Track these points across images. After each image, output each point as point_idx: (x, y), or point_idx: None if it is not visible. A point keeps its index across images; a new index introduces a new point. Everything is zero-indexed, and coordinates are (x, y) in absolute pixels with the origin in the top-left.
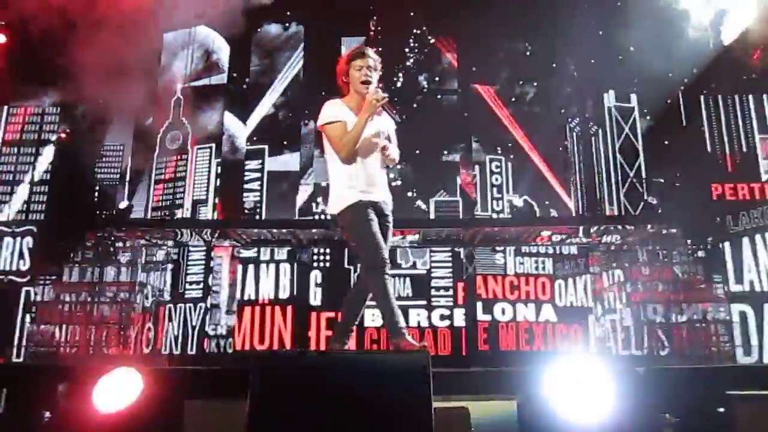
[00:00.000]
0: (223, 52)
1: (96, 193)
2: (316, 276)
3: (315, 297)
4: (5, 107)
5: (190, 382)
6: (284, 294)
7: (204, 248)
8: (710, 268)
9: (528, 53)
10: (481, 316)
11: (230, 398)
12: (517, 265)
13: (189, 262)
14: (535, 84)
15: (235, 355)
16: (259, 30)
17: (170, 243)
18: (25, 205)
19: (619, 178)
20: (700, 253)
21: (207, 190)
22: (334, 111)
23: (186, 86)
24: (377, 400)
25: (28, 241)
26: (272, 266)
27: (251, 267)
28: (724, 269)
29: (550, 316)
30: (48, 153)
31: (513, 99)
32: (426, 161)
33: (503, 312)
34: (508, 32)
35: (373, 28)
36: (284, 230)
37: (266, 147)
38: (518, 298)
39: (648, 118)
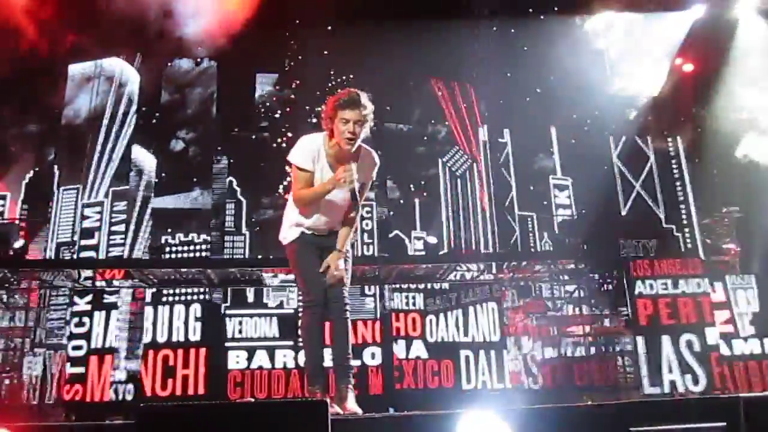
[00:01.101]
0: (133, 84)
1: None
2: (195, 310)
3: (195, 332)
4: None
5: None
6: (194, 336)
7: (67, 292)
8: (617, 301)
9: (439, 93)
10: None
11: None
12: (386, 301)
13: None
14: (447, 123)
15: (134, 402)
16: (170, 64)
17: (69, 284)
18: None
19: (494, 211)
20: (608, 286)
21: (72, 232)
22: (307, 154)
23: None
24: None
25: None
26: (180, 307)
27: (151, 308)
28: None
29: (421, 352)
30: None
31: (425, 138)
32: None
33: (372, 356)
34: (420, 73)
35: (287, 65)
36: (194, 270)
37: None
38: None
39: (556, 157)
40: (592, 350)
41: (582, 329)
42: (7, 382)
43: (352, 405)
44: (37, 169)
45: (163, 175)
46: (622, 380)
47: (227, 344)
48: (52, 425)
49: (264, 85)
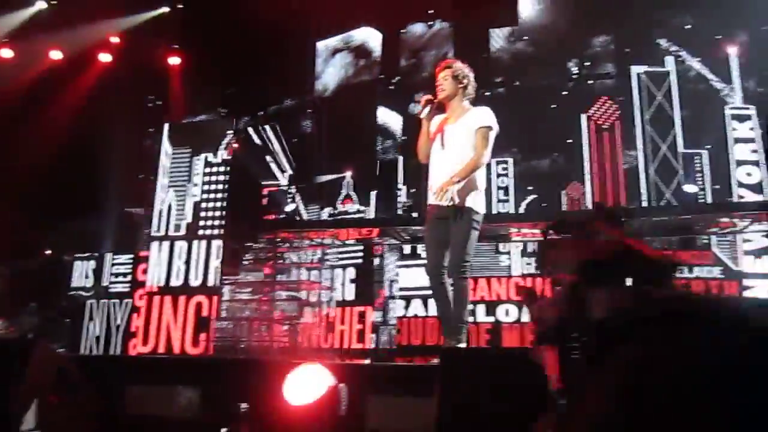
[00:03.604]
0: (376, 52)
1: (264, 198)
2: (349, 272)
3: (349, 293)
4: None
5: (372, 378)
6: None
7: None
8: None
9: (689, 27)
10: (483, 317)
11: (411, 394)
12: (523, 266)
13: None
14: (699, 60)
15: (398, 350)
16: (404, 31)
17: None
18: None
19: (649, 152)
20: None
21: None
22: None
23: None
24: None
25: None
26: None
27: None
28: None
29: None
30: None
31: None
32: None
33: (507, 313)
34: (665, 5)
35: (520, 17)
36: None
37: None
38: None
39: (736, 83)
40: None
41: None
42: (285, 329)
43: None
44: (295, 140)
45: (404, 138)
46: None
47: None
48: (355, 365)
49: (498, 40)
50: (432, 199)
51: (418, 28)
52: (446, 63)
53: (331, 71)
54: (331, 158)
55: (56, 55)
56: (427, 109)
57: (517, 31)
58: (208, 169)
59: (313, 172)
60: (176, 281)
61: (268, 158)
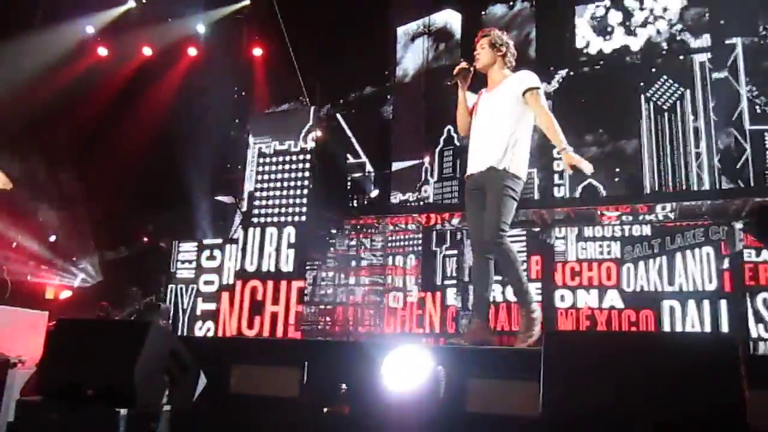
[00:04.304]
0: (457, 36)
1: (348, 184)
2: (410, 260)
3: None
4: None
5: (470, 361)
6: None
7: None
8: None
9: None
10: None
11: (510, 377)
12: (579, 250)
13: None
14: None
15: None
16: (485, 12)
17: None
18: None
19: (711, 130)
20: None
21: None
22: None
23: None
24: (679, 382)
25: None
26: None
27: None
28: None
29: (616, 302)
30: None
31: None
32: None
33: (562, 299)
34: None
35: None
36: (530, 210)
37: None
38: (579, 285)
39: None
40: None
41: None
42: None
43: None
44: (375, 126)
45: None
46: None
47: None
48: (456, 347)
49: (582, 17)
50: (468, 170)
51: (498, 9)
52: (483, 32)
53: (410, 56)
54: (411, 144)
55: (147, 51)
56: (455, 78)
57: (603, 5)
58: (264, 159)
59: (393, 159)
60: (267, 266)
61: (350, 145)
